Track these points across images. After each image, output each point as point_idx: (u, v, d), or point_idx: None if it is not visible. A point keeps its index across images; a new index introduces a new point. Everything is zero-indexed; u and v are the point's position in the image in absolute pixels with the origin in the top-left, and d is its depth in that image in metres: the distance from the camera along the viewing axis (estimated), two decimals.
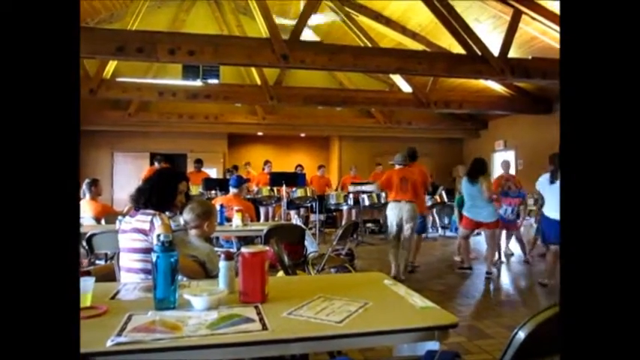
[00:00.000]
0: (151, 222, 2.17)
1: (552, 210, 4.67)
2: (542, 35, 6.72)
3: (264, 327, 1.37)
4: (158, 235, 1.82)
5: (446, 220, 10.03)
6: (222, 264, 1.78)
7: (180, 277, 2.11)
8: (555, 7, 6.06)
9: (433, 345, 1.44)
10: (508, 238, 6.73)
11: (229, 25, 9.06)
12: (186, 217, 2.36)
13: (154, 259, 1.56)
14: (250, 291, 1.63)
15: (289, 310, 1.52)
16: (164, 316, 1.45)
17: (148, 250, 1.99)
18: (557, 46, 6.69)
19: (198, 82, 8.16)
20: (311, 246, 4.63)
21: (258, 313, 1.50)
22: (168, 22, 8.80)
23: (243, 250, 1.66)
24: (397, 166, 5.39)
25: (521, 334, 1.24)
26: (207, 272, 2.18)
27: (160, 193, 2.30)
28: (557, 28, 6.31)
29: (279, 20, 6.09)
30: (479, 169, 5.49)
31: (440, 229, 9.70)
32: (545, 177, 4.84)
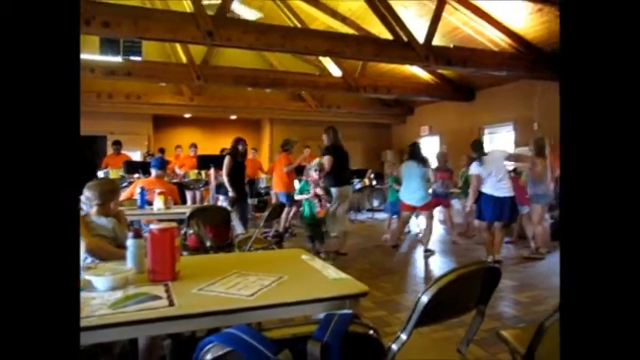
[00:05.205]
0: None
1: (490, 188, 5.07)
2: (463, 25, 7.05)
3: (171, 303, 1.32)
4: None
5: (375, 203, 10.37)
6: (130, 242, 1.68)
7: (90, 260, 1.98)
8: (477, 0, 6.37)
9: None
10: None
11: None
12: (88, 194, 2.20)
13: None
14: (159, 269, 1.56)
15: (200, 286, 1.48)
16: None
17: None
18: (477, 36, 7.07)
19: (118, 59, 7.64)
20: (238, 228, 4.57)
21: (167, 291, 1.44)
22: None
23: (152, 226, 1.58)
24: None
25: (424, 298, 1.29)
26: (121, 246, 2.07)
27: None
28: (478, 19, 6.66)
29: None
30: (418, 154, 5.80)
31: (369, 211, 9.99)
32: (487, 159, 5.18)
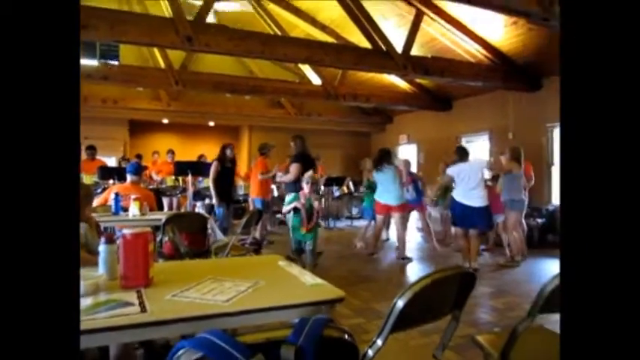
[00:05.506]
0: None
1: (460, 195, 5.19)
2: (441, 36, 7.19)
3: (143, 310, 1.29)
4: None
5: (354, 211, 10.38)
6: (102, 248, 1.64)
7: None
8: (453, 11, 6.51)
9: None
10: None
11: (130, 1, 8.43)
12: None
13: None
14: (132, 275, 1.52)
15: (174, 292, 1.45)
16: None
17: None
18: (454, 47, 7.21)
19: (94, 62, 7.49)
20: (218, 234, 4.48)
21: (139, 297, 1.41)
22: None
23: (125, 231, 1.54)
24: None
25: (400, 303, 1.30)
26: (92, 252, 2.02)
27: None
28: (455, 31, 6.79)
29: None
30: (384, 158, 5.90)
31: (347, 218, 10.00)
32: (464, 165, 5.29)
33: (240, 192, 8.17)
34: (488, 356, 1.65)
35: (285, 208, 4.87)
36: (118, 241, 1.63)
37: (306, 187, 4.73)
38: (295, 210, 4.66)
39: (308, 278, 1.62)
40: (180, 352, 0.89)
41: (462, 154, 5.39)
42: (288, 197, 5.06)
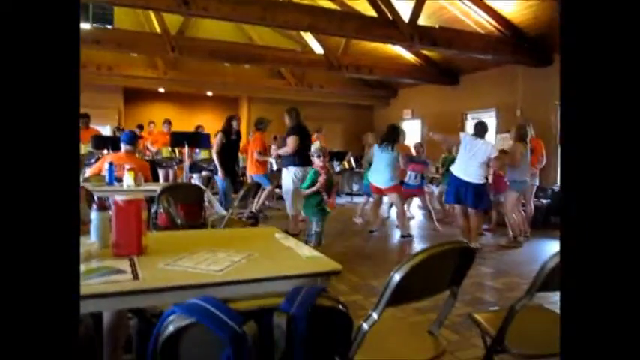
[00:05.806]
0: None
1: (458, 168, 5.10)
2: (450, 5, 6.95)
3: (135, 277, 1.26)
4: None
5: (355, 187, 10.31)
6: (94, 215, 1.60)
7: None
8: None
9: None
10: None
11: None
12: None
13: None
14: (124, 242, 1.49)
15: (167, 261, 1.42)
16: None
17: None
18: (464, 17, 7.00)
19: (87, 26, 7.26)
20: (215, 207, 4.42)
21: (132, 265, 1.38)
22: None
23: (117, 198, 1.50)
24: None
25: (397, 277, 1.28)
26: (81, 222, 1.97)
27: None
28: (465, 0, 6.58)
29: None
30: (390, 137, 5.72)
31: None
32: (479, 140, 5.15)
33: (239, 165, 8.09)
34: (485, 333, 1.64)
35: (307, 191, 4.34)
36: (110, 210, 1.59)
37: (317, 161, 4.46)
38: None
39: (304, 251, 1.59)
40: (171, 317, 0.87)
41: (480, 130, 5.21)
42: (308, 177, 4.53)
